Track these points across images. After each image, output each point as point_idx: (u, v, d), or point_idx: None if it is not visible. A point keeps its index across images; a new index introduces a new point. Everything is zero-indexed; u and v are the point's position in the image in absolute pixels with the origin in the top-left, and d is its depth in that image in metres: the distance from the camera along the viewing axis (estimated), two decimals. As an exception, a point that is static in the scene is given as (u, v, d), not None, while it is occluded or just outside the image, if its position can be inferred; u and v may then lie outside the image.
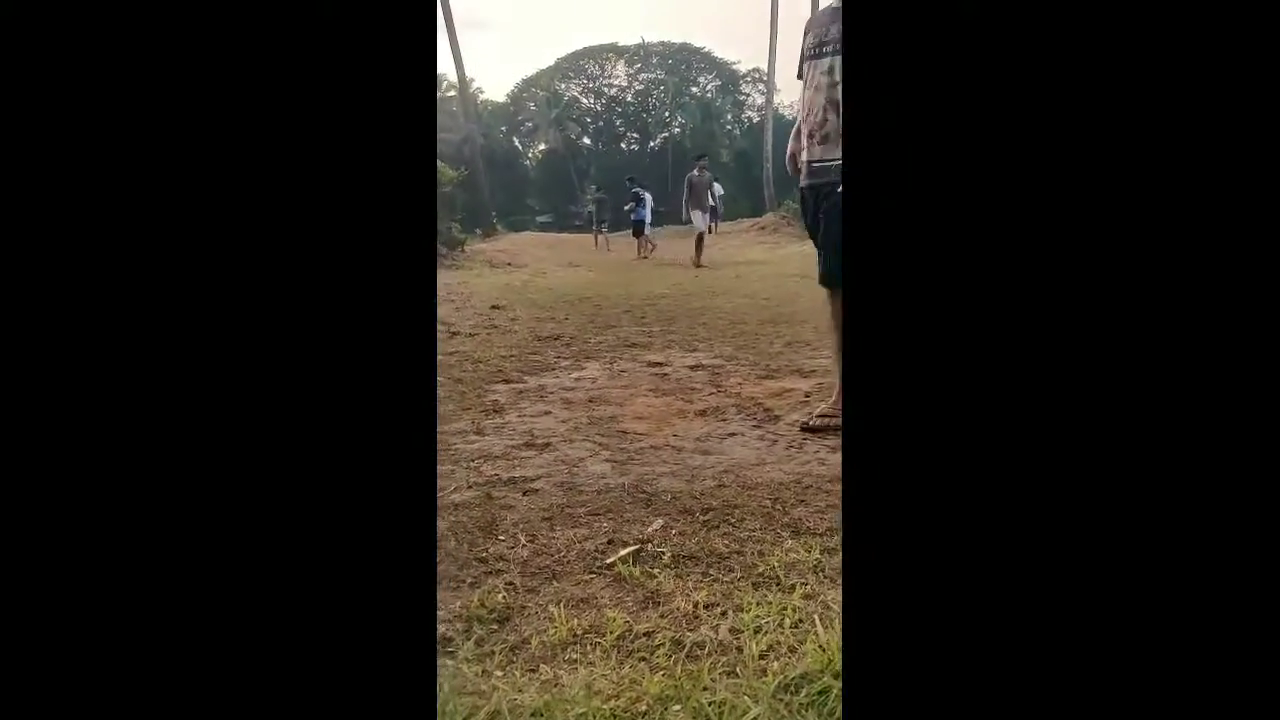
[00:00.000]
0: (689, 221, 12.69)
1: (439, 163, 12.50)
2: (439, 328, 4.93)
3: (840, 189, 2.40)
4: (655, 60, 41.53)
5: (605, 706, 0.92)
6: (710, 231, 12.71)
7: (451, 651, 1.11)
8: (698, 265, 11.10)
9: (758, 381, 3.24)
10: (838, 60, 2.31)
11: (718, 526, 1.59)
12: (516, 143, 40.85)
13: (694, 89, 40.33)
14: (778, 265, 11.16)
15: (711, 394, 3.01)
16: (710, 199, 12.67)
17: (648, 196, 14.35)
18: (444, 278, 8.68)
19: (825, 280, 2.51)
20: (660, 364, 3.65)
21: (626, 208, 15.03)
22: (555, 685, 0.99)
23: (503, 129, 39.83)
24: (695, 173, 12.46)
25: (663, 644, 1.10)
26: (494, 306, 6.14)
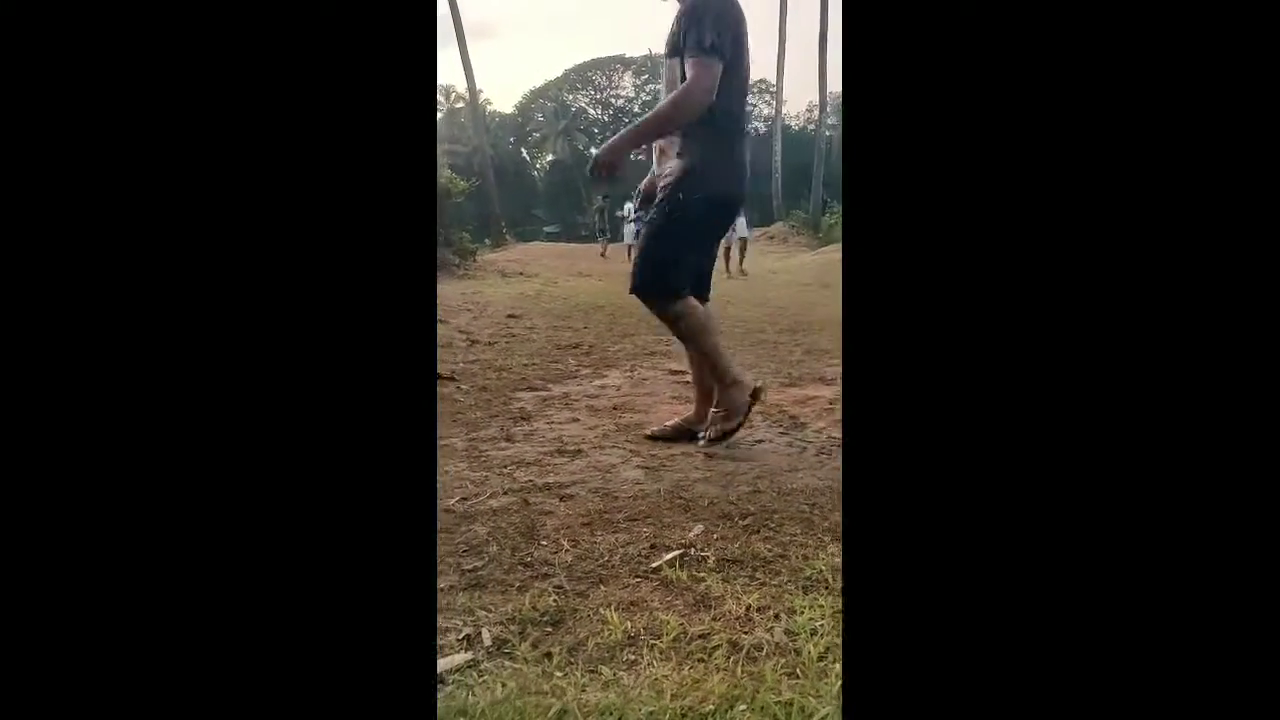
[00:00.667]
0: None
1: (450, 174, 12.55)
2: (458, 336, 4.95)
3: (659, 198, 2.32)
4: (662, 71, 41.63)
5: (673, 705, 0.93)
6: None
7: (509, 653, 1.12)
8: (740, 271, 10.86)
9: (781, 389, 3.25)
10: (665, 65, 2.33)
11: (758, 531, 1.60)
12: (524, 153, 41.03)
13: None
14: (790, 274, 11.14)
15: (736, 402, 3.02)
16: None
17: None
18: (458, 287, 8.72)
19: (638, 290, 2.36)
20: (682, 372, 3.65)
21: (631, 217, 15.00)
22: (617, 685, 1.00)
23: (511, 140, 40.02)
24: None
25: (719, 645, 1.10)
26: (510, 315, 6.17)
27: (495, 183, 23.58)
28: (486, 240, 17.94)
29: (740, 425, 2.32)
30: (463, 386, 3.36)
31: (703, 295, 2.46)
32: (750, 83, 2.46)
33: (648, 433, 2.49)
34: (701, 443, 2.32)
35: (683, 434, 2.44)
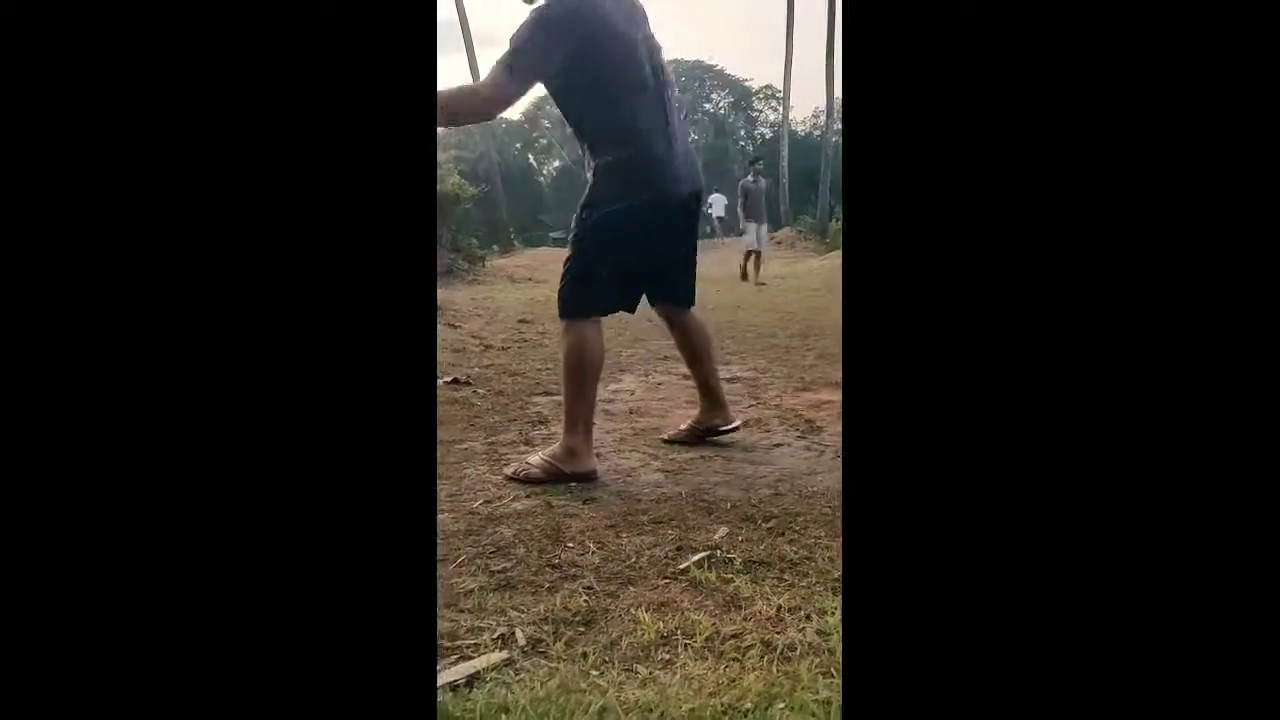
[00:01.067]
0: (744, 233, 11.55)
1: (458, 179, 12.55)
2: (472, 341, 4.97)
3: (581, 210, 2.19)
4: (669, 77, 41.66)
5: (712, 703, 0.94)
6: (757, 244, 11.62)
7: (543, 652, 1.13)
8: (758, 283, 10.46)
9: (795, 394, 3.26)
10: None
11: (783, 533, 1.61)
12: (531, 159, 41.13)
13: (707, 105, 40.53)
14: (799, 279, 11.12)
15: (751, 406, 3.03)
16: (762, 209, 11.56)
17: None
18: (468, 293, 8.75)
19: (570, 310, 2.20)
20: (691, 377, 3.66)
21: None
22: (654, 683, 1.01)
23: (518, 146, 40.11)
24: (750, 179, 11.41)
25: (753, 645, 1.12)
26: (521, 320, 6.18)
27: (502, 188, 23.63)
28: (494, 246, 17.96)
29: (542, 482, 2.02)
30: (479, 391, 3.37)
31: (680, 303, 2.41)
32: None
33: (664, 437, 2.50)
34: (508, 471, 2.10)
35: (697, 435, 2.45)
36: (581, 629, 1.21)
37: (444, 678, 1.06)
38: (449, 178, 11.71)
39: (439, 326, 5.21)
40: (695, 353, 2.49)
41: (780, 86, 27.31)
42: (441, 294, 6.89)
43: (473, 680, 1.06)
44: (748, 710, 0.93)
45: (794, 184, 26.36)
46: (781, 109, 28.54)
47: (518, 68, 2.04)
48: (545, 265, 14.24)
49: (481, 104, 2.10)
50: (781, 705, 0.94)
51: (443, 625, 1.21)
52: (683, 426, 2.51)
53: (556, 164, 39.71)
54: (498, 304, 7.61)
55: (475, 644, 1.16)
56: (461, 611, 1.27)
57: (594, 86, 2.11)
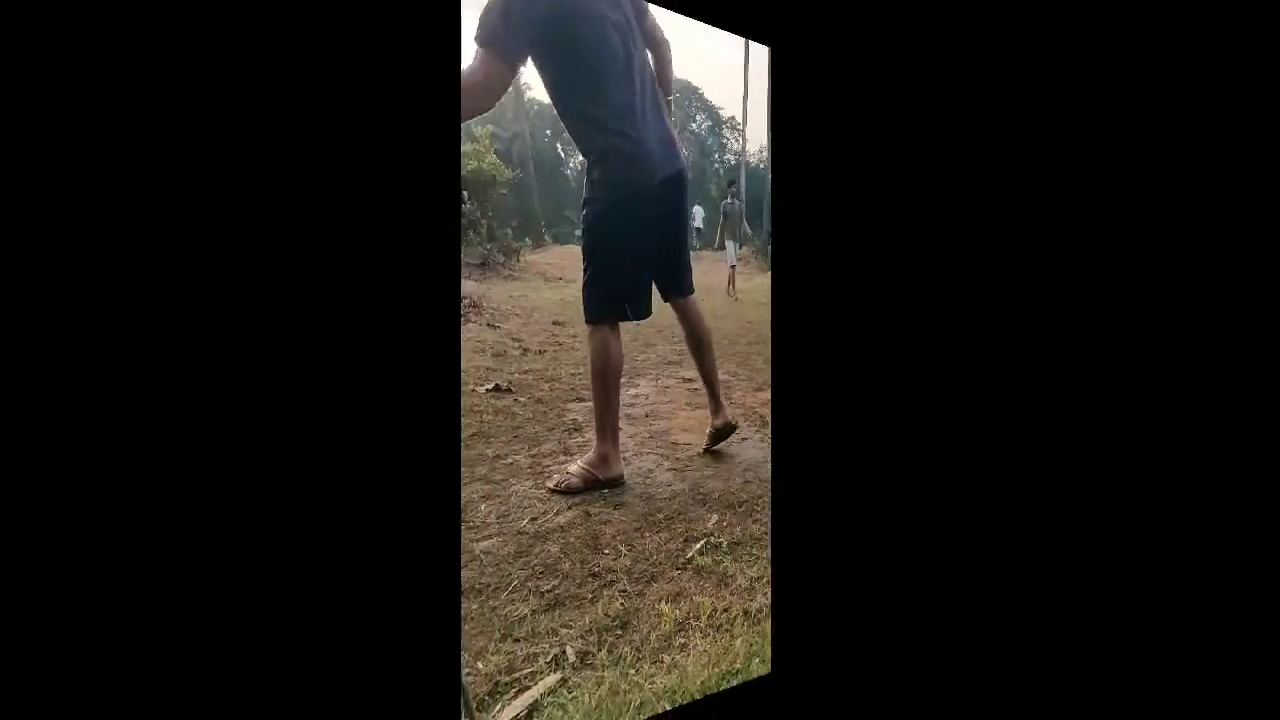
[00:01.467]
0: (722, 248, 12.01)
1: (494, 159, 12.18)
2: (511, 344, 5.16)
3: (582, 206, 2.31)
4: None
5: (715, 671, 1.20)
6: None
7: (590, 663, 1.38)
8: (732, 294, 10.67)
9: (753, 393, 3.49)
10: None
11: (750, 514, 1.90)
12: (560, 149, 40.60)
13: (692, 125, 39.66)
14: (755, 294, 11.20)
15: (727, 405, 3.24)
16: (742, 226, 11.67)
17: None
18: (505, 289, 8.78)
19: (592, 313, 2.28)
20: (692, 379, 3.84)
21: None
22: (676, 668, 1.28)
23: (548, 133, 39.59)
24: (729, 200, 11.77)
25: (737, 615, 1.41)
26: (555, 322, 6.36)
27: (535, 176, 23.32)
28: (527, 239, 17.83)
29: (577, 491, 2.12)
30: (519, 399, 3.58)
31: (675, 291, 2.53)
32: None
33: (702, 449, 2.61)
34: (551, 483, 2.20)
35: (715, 440, 2.59)
36: (619, 632, 1.46)
37: (506, 715, 1.16)
38: (485, 155, 11.17)
39: (479, 327, 5.35)
40: (695, 345, 2.61)
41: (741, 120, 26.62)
42: (480, 289, 6.97)
43: (533, 711, 1.23)
44: (738, 670, 1.19)
45: (751, 208, 25.87)
46: (742, 140, 27.88)
47: (496, 39, 1.98)
48: (574, 264, 13.97)
49: (470, 90, 1.94)
50: (757, 660, 1.20)
51: (499, 660, 1.34)
52: (706, 434, 2.65)
53: (580, 157, 38.93)
54: (533, 303, 7.68)
55: (531, 671, 1.34)
56: (516, 641, 1.42)
57: (566, 71, 2.10)
